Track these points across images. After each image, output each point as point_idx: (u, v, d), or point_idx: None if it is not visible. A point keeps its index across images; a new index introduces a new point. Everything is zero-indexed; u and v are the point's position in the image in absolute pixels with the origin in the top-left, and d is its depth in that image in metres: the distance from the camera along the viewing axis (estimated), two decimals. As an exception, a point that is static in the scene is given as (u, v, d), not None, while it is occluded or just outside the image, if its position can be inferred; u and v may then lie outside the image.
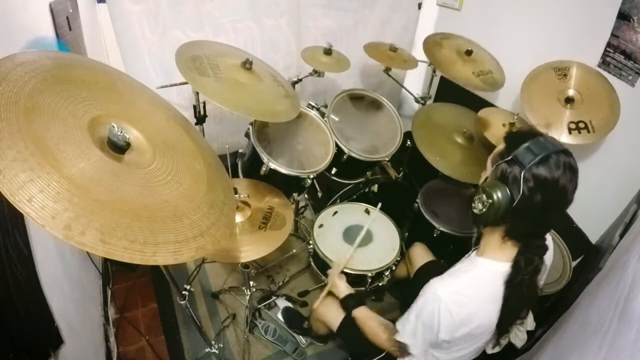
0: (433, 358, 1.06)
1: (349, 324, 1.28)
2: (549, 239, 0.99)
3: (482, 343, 1.02)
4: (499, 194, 0.84)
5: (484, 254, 0.95)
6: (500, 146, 0.91)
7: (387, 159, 1.75)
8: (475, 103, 1.92)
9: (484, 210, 0.87)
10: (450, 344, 0.99)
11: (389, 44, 1.98)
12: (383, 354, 1.19)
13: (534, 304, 1.01)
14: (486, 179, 0.92)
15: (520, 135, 0.88)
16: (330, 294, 1.39)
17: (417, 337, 0.99)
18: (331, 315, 1.37)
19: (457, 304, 0.90)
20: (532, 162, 0.81)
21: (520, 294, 0.91)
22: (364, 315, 1.22)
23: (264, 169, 1.44)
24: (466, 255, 1.07)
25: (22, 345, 0.93)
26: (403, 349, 1.04)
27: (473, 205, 0.90)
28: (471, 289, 0.92)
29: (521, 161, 0.83)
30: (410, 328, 1.00)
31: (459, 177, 1.59)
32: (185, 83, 1.34)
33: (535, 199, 0.82)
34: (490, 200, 0.85)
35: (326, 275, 1.58)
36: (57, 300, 1.14)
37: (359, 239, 1.49)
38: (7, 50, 0.71)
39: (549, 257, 0.99)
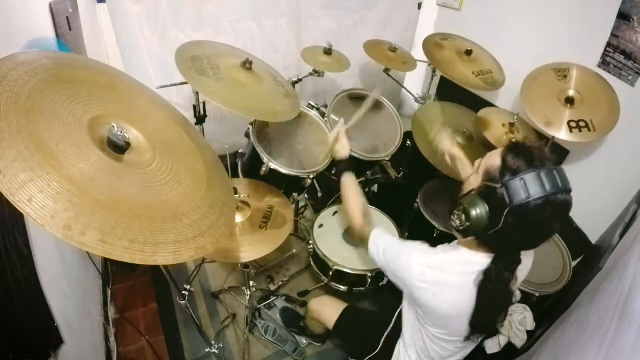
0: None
1: (345, 323, 1.29)
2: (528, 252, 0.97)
3: (458, 335, 0.98)
4: (478, 217, 0.81)
5: (463, 245, 0.95)
6: (497, 160, 0.83)
7: (387, 159, 1.75)
8: (475, 103, 1.92)
9: (461, 228, 0.86)
10: (423, 317, 1.00)
11: (389, 44, 1.98)
12: (375, 353, 1.20)
13: (506, 308, 0.97)
14: (471, 191, 0.88)
15: (521, 158, 0.79)
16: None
17: (380, 258, 1.05)
18: (327, 314, 1.37)
19: (424, 275, 0.91)
20: (521, 202, 0.75)
21: (491, 298, 0.89)
22: (350, 183, 1.27)
23: (264, 169, 1.44)
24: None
25: (22, 345, 0.93)
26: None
27: (452, 217, 0.89)
28: (444, 268, 0.92)
29: (510, 196, 0.76)
30: (378, 248, 1.06)
31: (458, 177, 1.59)
32: (185, 83, 1.34)
33: (514, 235, 0.80)
34: (468, 223, 0.83)
35: (326, 275, 1.58)
36: (57, 300, 1.14)
37: (364, 108, 1.46)
38: (7, 50, 0.71)
39: (522, 271, 0.96)
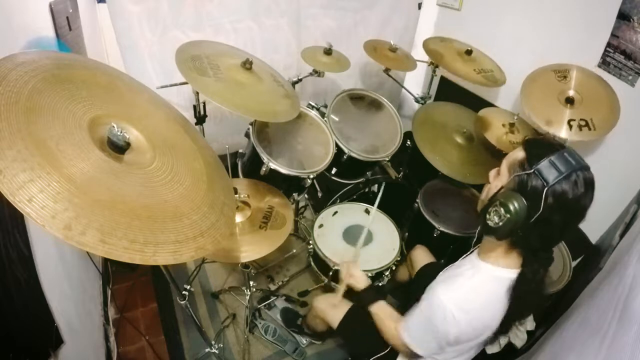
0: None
1: (350, 322, 1.28)
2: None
3: (481, 344, 1.02)
4: (517, 208, 0.81)
5: (487, 258, 0.94)
6: (519, 154, 0.88)
7: (387, 159, 1.75)
8: (475, 103, 1.92)
9: (500, 224, 0.84)
10: (454, 347, 0.98)
11: (389, 44, 1.98)
12: (382, 353, 1.19)
13: (539, 307, 1.00)
14: (501, 188, 0.89)
15: (542, 146, 0.85)
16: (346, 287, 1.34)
17: (424, 341, 0.99)
18: (331, 313, 1.36)
19: (462, 310, 0.90)
20: (556, 180, 0.78)
21: (525, 302, 0.90)
22: (383, 311, 1.18)
23: (264, 169, 1.44)
24: (467, 254, 1.06)
25: (22, 345, 0.93)
26: (411, 351, 1.04)
27: (488, 217, 0.87)
28: (474, 296, 0.92)
29: (545, 177, 0.79)
30: (418, 331, 1.00)
31: (458, 177, 1.59)
32: (185, 83, 1.34)
33: (554, 217, 0.80)
34: (508, 215, 0.82)
35: (326, 276, 1.58)
36: (57, 300, 1.14)
37: (362, 237, 1.47)
38: (8, 50, 0.71)
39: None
